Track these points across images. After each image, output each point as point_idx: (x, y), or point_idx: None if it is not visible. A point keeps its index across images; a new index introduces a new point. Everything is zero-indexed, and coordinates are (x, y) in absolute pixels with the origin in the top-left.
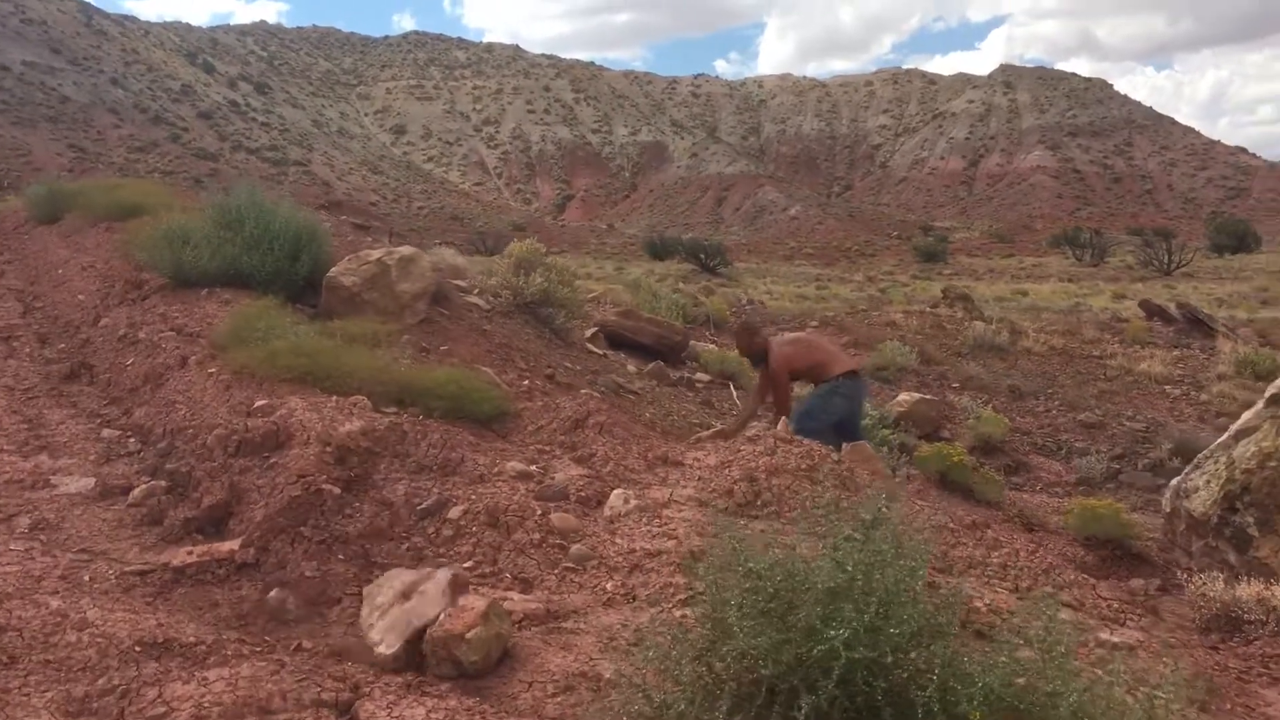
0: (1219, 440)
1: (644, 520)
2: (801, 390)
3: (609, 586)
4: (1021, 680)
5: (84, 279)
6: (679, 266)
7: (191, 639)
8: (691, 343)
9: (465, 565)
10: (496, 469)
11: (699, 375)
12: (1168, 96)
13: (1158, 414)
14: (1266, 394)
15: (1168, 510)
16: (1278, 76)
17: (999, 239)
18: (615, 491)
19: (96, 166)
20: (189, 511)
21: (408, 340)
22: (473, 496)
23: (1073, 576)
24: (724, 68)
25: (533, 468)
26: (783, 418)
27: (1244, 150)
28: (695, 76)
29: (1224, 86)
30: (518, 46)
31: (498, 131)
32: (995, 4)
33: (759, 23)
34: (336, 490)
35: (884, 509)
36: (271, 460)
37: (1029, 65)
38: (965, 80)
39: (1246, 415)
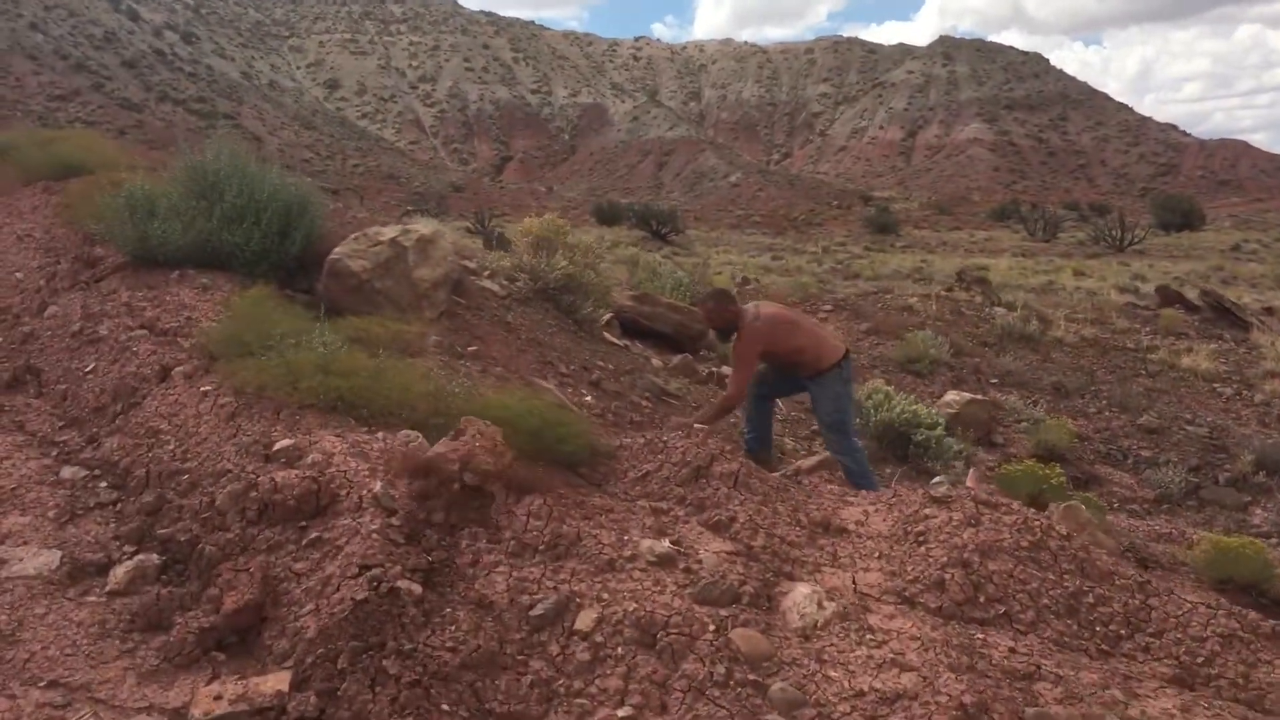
0: None
1: (852, 635)
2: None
3: None
4: None
5: (20, 252)
6: (629, 233)
7: None
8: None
9: (620, 714)
10: (628, 551)
11: (724, 369)
12: (1096, 72)
13: (1216, 417)
14: None
15: None
16: (1203, 55)
17: (939, 210)
18: (799, 588)
19: (14, 115)
20: (204, 616)
21: (435, 342)
22: (604, 595)
23: None
24: (661, 31)
25: (665, 543)
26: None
27: (1175, 127)
28: (636, 39)
29: (1150, 63)
30: (455, 2)
31: (434, 89)
32: None
33: None
34: (417, 588)
35: None
36: (313, 534)
37: (967, 38)
38: (905, 51)
39: None
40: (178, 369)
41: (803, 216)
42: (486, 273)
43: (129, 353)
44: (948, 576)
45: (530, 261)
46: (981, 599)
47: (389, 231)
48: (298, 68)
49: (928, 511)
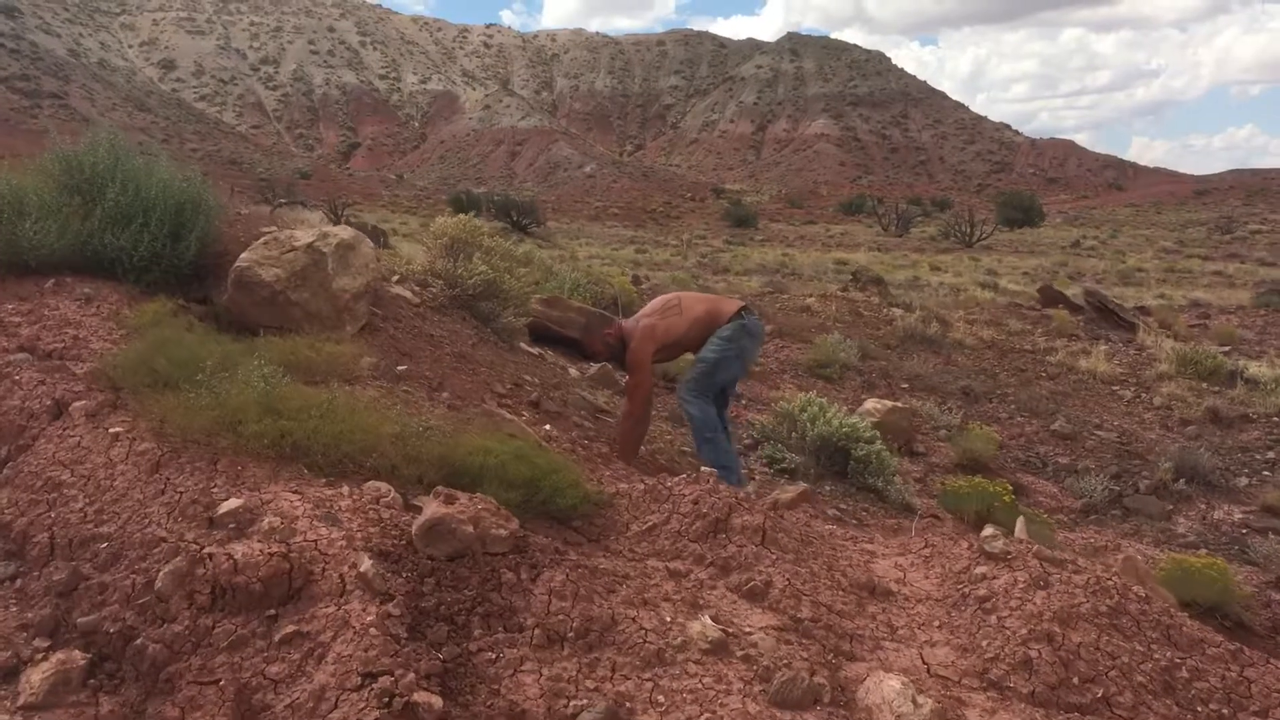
0: None
1: None
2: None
3: None
4: None
5: None
6: (489, 224)
7: None
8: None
9: None
10: (676, 636)
11: None
12: (932, 71)
13: (1121, 421)
14: None
15: None
16: (1030, 56)
17: (790, 203)
18: (887, 681)
19: None
20: None
21: (371, 364)
22: (660, 698)
23: None
24: (510, 19)
25: (709, 621)
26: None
27: (1008, 126)
28: (487, 26)
29: (982, 64)
30: None
31: (277, 72)
32: None
33: None
34: (437, 701)
35: None
36: (288, 627)
37: (814, 35)
38: (754, 45)
39: None
40: (76, 404)
41: (660, 209)
42: (395, 277)
43: (10, 381)
44: (1034, 654)
45: (446, 266)
46: (1075, 680)
47: (304, 236)
48: (130, 46)
49: (983, 570)
